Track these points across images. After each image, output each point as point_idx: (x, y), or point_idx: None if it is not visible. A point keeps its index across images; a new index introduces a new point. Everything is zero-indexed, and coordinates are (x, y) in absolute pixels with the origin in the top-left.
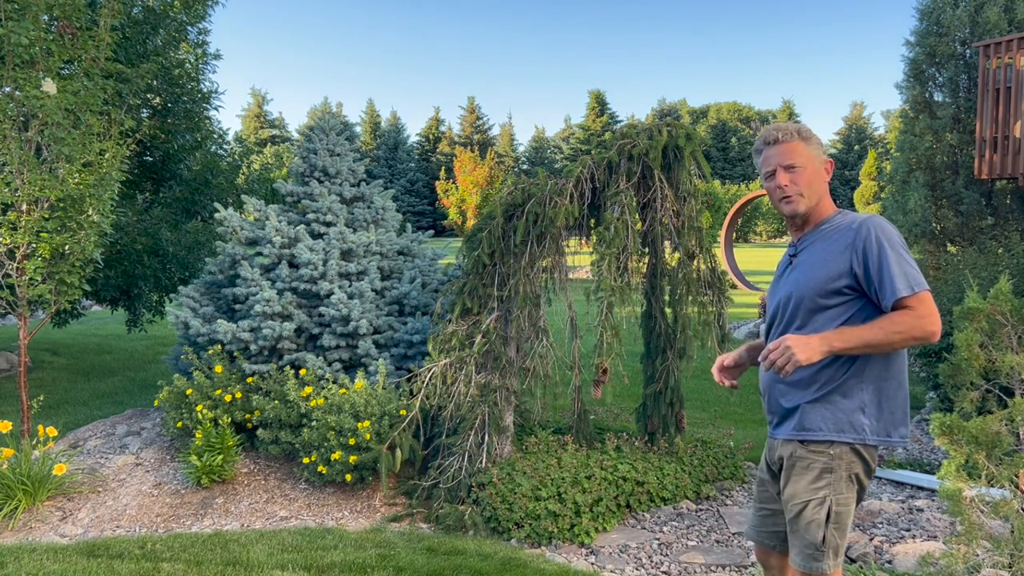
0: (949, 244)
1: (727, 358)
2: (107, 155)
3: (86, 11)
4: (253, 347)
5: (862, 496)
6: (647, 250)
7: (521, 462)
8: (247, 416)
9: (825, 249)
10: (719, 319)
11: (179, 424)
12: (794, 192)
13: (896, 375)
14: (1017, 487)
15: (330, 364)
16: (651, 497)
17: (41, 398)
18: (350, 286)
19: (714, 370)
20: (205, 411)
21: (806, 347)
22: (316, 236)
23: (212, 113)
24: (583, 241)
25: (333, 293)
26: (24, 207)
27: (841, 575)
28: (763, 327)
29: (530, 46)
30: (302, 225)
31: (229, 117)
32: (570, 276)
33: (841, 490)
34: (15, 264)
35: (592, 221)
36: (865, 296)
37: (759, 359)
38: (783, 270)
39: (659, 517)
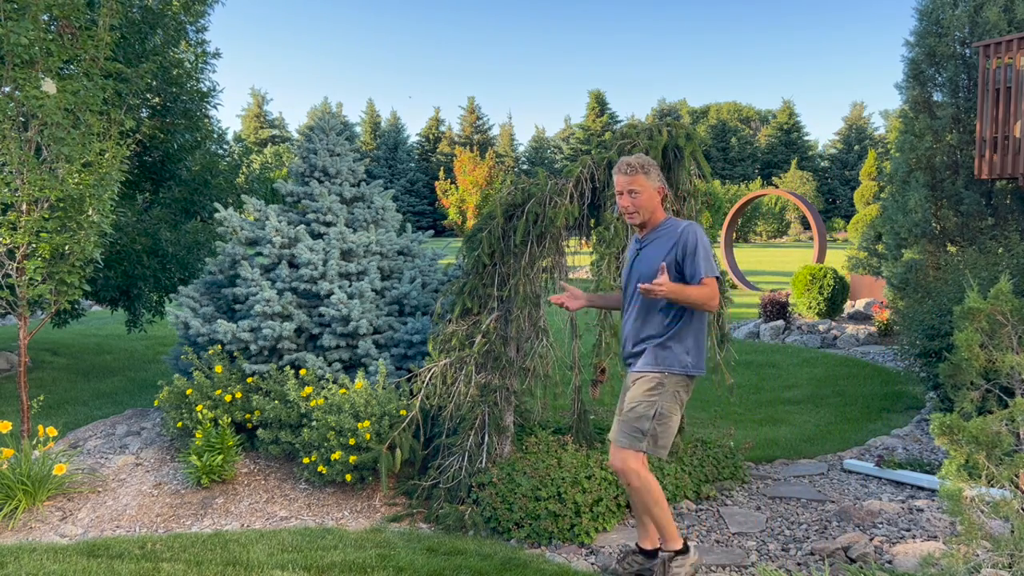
0: (949, 244)
1: (580, 293)
2: (107, 155)
3: (85, 11)
4: (253, 347)
5: (682, 408)
6: None
7: (521, 462)
8: (247, 416)
9: (661, 245)
10: (718, 319)
11: (179, 424)
12: (632, 211)
13: (702, 331)
14: (1017, 487)
15: (330, 364)
16: None
17: (41, 398)
18: (350, 286)
19: (563, 296)
20: (205, 411)
21: (667, 289)
22: (316, 236)
23: (212, 112)
24: (583, 241)
25: (333, 293)
26: (24, 207)
27: (645, 462)
28: (623, 290)
29: (530, 46)
30: (302, 225)
31: (229, 117)
32: (570, 276)
33: (666, 399)
34: (15, 264)
35: (592, 221)
36: (685, 279)
37: (642, 286)
38: (633, 256)
39: None
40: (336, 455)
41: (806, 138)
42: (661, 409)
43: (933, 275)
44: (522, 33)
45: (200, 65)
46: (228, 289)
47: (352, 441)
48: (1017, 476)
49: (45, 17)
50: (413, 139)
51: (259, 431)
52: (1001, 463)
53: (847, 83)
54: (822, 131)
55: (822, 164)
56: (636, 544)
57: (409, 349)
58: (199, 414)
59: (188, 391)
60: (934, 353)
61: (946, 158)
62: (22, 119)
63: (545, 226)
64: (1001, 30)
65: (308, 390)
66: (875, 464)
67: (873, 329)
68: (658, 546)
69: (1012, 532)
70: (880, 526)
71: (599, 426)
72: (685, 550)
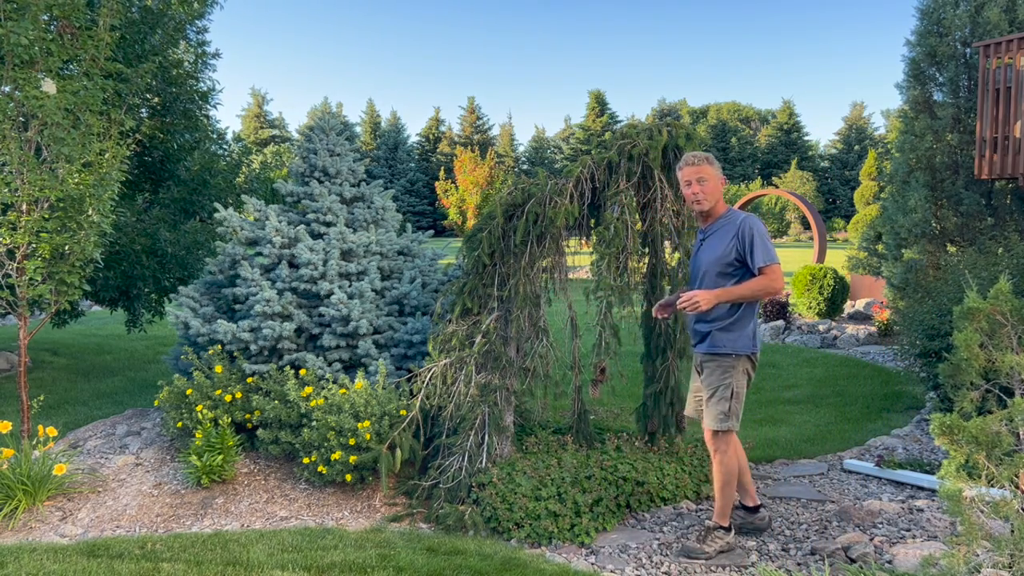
0: (949, 244)
1: (664, 300)
2: (107, 155)
3: (85, 11)
4: (253, 347)
5: (750, 382)
6: (647, 250)
7: (521, 462)
8: (247, 416)
9: (722, 236)
10: None
11: (179, 424)
12: (701, 197)
13: (755, 316)
14: (1017, 487)
15: (330, 364)
16: (651, 497)
17: (41, 398)
18: (350, 286)
19: (655, 308)
20: (205, 411)
21: (705, 301)
22: (316, 236)
23: (211, 112)
24: (583, 241)
25: (333, 293)
26: (24, 207)
27: (731, 441)
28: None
29: (530, 46)
30: (302, 225)
31: (229, 117)
32: (570, 276)
33: (739, 379)
34: (15, 264)
35: (592, 221)
36: (747, 267)
37: (679, 303)
38: (698, 246)
39: (659, 517)
40: (336, 455)
41: (806, 138)
42: (736, 389)
43: (933, 275)
44: (522, 34)
45: (200, 65)
46: (228, 289)
47: (352, 441)
48: (1017, 476)
49: (45, 17)
50: (413, 139)
51: (259, 431)
52: (1001, 463)
53: (847, 83)
54: (822, 131)
55: (822, 164)
56: (739, 502)
57: (409, 349)
58: (199, 414)
59: (188, 391)
60: (934, 353)
61: (946, 158)
62: (22, 119)
63: (545, 226)
64: (1002, 30)
65: (308, 390)
66: (875, 464)
67: (873, 329)
68: (759, 503)
69: (1012, 532)
70: (880, 526)
71: (599, 426)
72: (729, 529)
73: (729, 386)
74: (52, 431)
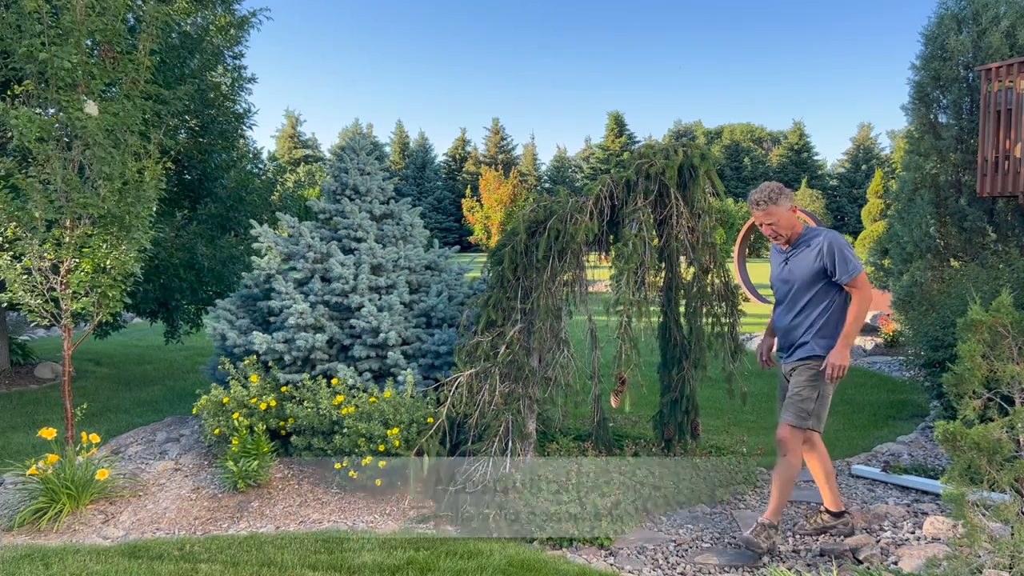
0: (952, 259)
1: (763, 354)
2: (146, 174)
3: (126, 35)
4: (287, 357)
5: (835, 390)
6: (663, 265)
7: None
8: (281, 423)
9: (807, 254)
10: (732, 331)
11: (216, 431)
12: (777, 234)
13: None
14: (1018, 492)
15: (360, 374)
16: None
17: (84, 406)
18: (380, 299)
19: (762, 361)
20: (241, 419)
21: (842, 358)
22: (347, 251)
23: (247, 133)
24: (602, 256)
25: (364, 306)
26: (68, 223)
27: (802, 441)
28: (775, 304)
29: (552, 70)
30: (334, 241)
31: (264, 137)
32: (590, 290)
33: (828, 384)
34: (60, 278)
35: (611, 237)
36: (829, 278)
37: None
38: (780, 267)
39: (675, 520)
40: (366, 460)
41: (816, 158)
42: (823, 392)
43: (937, 289)
44: (544, 58)
45: (236, 88)
46: (263, 302)
47: (382, 447)
48: (1017, 481)
49: (88, 42)
50: (440, 159)
51: (292, 438)
52: (1002, 468)
53: (855, 105)
54: (831, 151)
55: (831, 183)
56: (822, 506)
57: (436, 359)
58: (235, 421)
59: (225, 400)
60: (938, 363)
61: (950, 177)
62: (66, 139)
63: (566, 242)
64: (1003, 55)
65: (340, 399)
66: (881, 469)
67: (880, 340)
68: (843, 508)
69: (1012, 534)
70: (886, 528)
71: (618, 433)
72: (775, 527)
73: (816, 388)
74: (95, 438)
